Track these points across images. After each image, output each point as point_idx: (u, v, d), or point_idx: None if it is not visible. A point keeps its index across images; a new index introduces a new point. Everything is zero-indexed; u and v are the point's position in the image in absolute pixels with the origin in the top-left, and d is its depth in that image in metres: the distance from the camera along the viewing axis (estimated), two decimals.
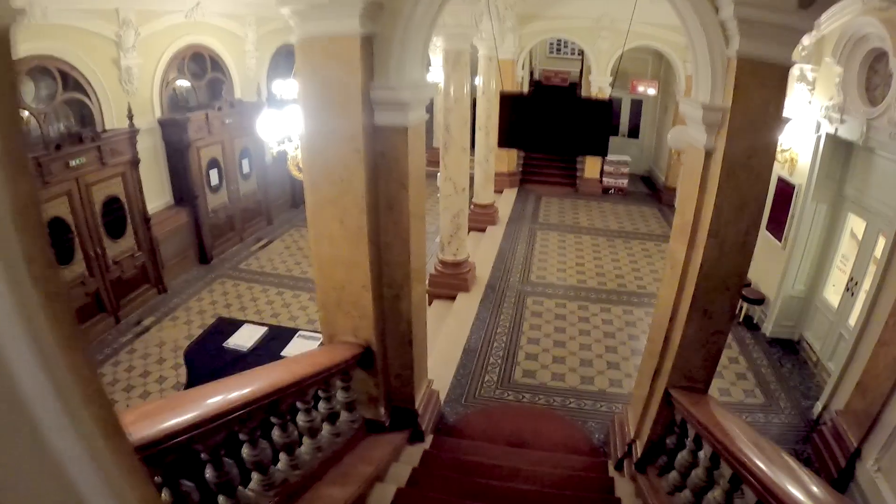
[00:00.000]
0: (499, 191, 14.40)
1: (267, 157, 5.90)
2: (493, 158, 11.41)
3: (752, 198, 3.56)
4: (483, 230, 11.43)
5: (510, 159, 14.90)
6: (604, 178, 15.01)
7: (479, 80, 10.89)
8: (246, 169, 11.46)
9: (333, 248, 4.24)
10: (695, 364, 4.08)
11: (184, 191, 9.87)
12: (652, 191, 15.61)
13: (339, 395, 4.37)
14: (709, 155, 3.63)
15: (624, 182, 14.98)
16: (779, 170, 7.47)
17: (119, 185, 8.29)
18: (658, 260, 10.41)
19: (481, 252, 10.25)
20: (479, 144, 11.17)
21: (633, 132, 17.52)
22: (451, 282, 8.48)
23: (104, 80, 8.15)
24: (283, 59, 12.57)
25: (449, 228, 8.27)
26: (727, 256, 3.67)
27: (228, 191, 10.93)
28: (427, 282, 8.59)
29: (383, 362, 4.75)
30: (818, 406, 6.05)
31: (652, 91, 14.69)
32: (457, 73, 7.65)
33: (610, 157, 14.98)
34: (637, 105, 17.22)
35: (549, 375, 6.62)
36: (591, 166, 14.99)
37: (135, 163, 8.45)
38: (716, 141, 3.55)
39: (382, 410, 4.88)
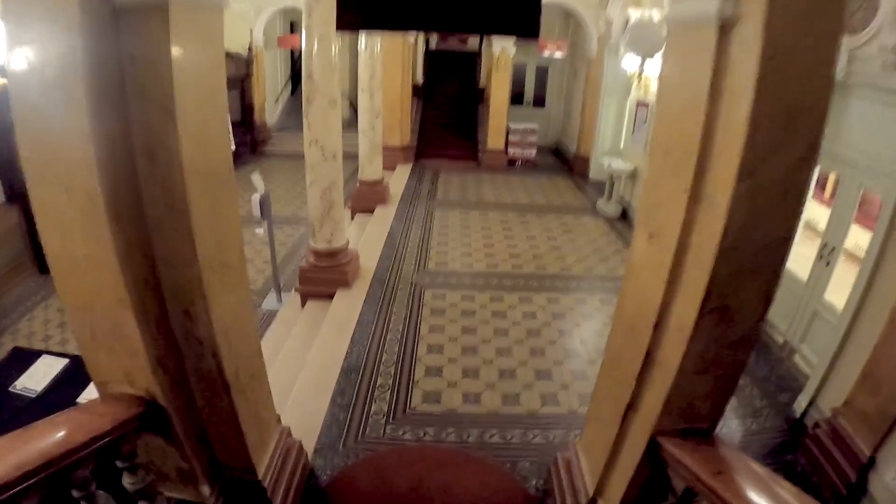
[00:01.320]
0: (390, 168, 12.55)
1: None
2: (381, 125, 9.48)
3: (809, 105, 1.90)
4: (371, 211, 9.50)
5: (402, 131, 13.01)
6: (509, 150, 13.51)
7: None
8: None
9: (64, 235, 2.22)
10: (699, 393, 2.44)
11: (15, 185, 7.77)
12: (562, 162, 14.33)
13: (127, 481, 2.58)
14: (726, 30, 1.94)
15: (532, 153, 13.57)
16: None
17: None
18: (581, 235, 8.97)
19: (368, 237, 8.34)
20: (363, 109, 9.22)
21: (539, 101, 16.15)
22: (326, 276, 6.50)
23: None
24: None
25: (319, 208, 6.27)
26: (766, 211, 2.02)
27: None
28: (301, 279, 6.63)
29: (186, 421, 2.82)
30: (801, 402, 4.75)
31: (560, 54, 13.33)
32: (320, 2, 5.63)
33: (515, 126, 13.50)
34: (542, 73, 15.86)
35: (458, 397, 4.85)
36: (494, 137, 13.43)
37: None
38: (742, 3, 1.86)
39: (207, 489, 3.06)
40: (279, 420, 3.83)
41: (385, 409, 4.63)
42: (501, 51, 12.67)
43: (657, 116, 2.55)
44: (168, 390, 2.66)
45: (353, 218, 9.68)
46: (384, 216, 9.26)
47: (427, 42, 17.28)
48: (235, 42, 14.42)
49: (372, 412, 4.57)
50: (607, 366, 3.09)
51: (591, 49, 12.51)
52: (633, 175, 9.92)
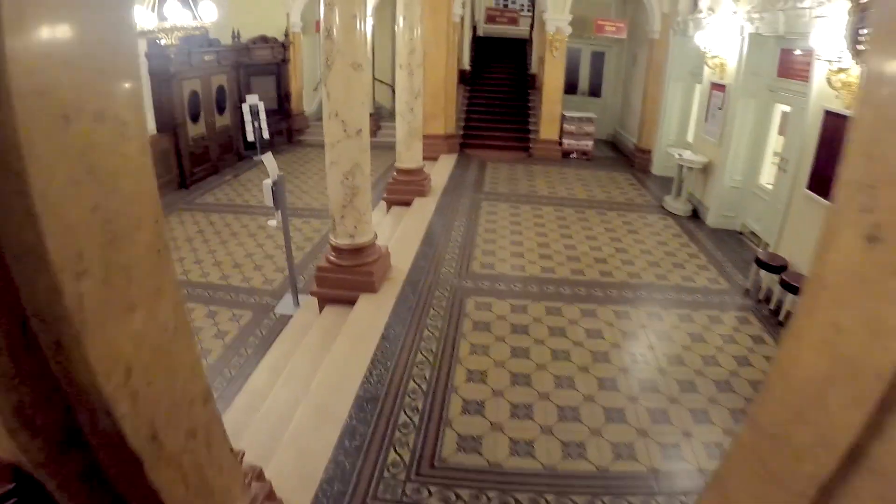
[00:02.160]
0: (432, 158, 11.47)
1: None
2: (421, 108, 8.39)
3: None
4: (408, 204, 8.42)
5: (447, 119, 11.89)
6: (564, 140, 12.22)
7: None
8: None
9: None
10: None
11: (166, 119, 10.51)
12: (621, 156, 12.93)
13: None
14: None
15: (589, 144, 12.24)
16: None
17: None
18: (649, 237, 7.65)
19: (402, 233, 7.25)
20: (401, 88, 8.18)
21: (595, 91, 14.78)
22: (347, 278, 5.41)
23: None
24: None
25: (339, 195, 5.21)
26: None
27: (206, 123, 11.67)
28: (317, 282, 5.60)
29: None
30: None
31: (620, 35, 11.98)
32: None
33: (571, 114, 12.20)
34: (598, 59, 14.49)
35: (504, 446, 3.68)
36: (547, 126, 12.17)
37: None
38: None
39: None
40: (258, 476, 2.78)
41: (407, 458, 3.50)
42: (556, 30, 11.39)
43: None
44: (42, 457, 1.62)
45: (388, 210, 8.64)
46: (423, 209, 8.17)
47: (474, 27, 16.14)
48: (271, 26, 13.66)
49: (389, 462, 3.46)
50: (753, 447, 1.86)
51: (652, 29, 11.11)
52: (705, 169, 8.52)
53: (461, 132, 12.69)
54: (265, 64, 13.76)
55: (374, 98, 14.82)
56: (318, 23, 14.54)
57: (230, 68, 12.64)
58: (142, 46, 10.19)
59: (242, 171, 12.37)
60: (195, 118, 11.51)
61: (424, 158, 11.45)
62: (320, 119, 14.81)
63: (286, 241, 6.03)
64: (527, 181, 10.22)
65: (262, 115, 13.28)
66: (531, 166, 11.36)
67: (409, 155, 8.51)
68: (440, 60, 11.22)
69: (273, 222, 5.83)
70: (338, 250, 5.44)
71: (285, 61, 14.14)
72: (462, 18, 12.85)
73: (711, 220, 8.21)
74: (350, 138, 4.96)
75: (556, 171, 11.11)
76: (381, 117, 14.77)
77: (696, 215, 8.64)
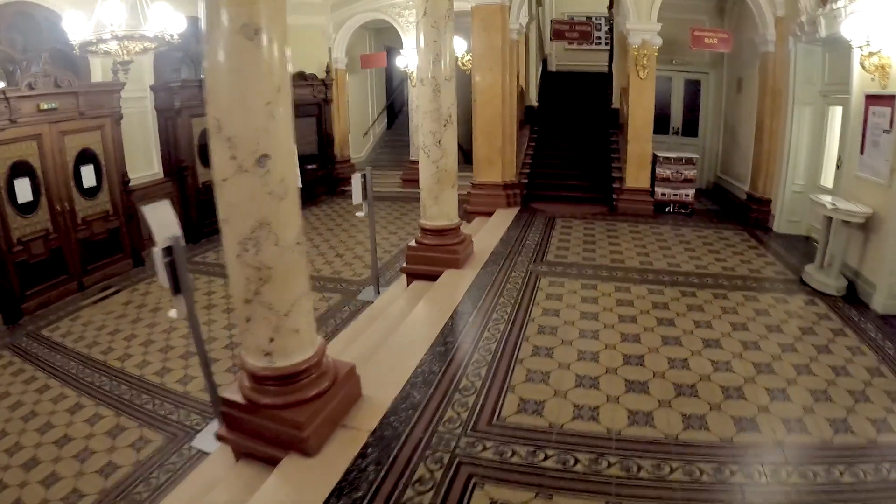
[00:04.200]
0: (486, 212, 9.04)
1: None
2: (454, 140, 6.02)
3: None
4: (434, 278, 5.95)
5: (506, 163, 9.47)
6: (657, 189, 9.43)
7: None
8: None
9: None
10: None
11: (173, 162, 9.53)
12: (725, 206, 9.89)
13: None
14: None
15: (690, 194, 9.38)
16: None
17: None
18: (801, 338, 4.71)
19: (405, 333, 4.74)
20: (423, 112, 5.97)
21: (690, 128, 11.85)
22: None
23: None
24: None
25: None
26: None
27: None
28: None
29: None
30: None
31: (724, 48, 9.19)
32: None
33: (666, 154, 9.46)
34: (692, 89, 11.63)
35: None
36: (634, 171, 9.45)
37: (117, 119, 8.11)
38: None
39: None
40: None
41: None
42: (642, 43, 8.79)
43: None
44: None
45: (408, 286, 6.24)
46: (450, 289, 5.69)
47: (544, 61, 13.83)
48: (311, 62, 11.98)
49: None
50: None
51: (764, 39, 8.30)
52: (865, 224, 5.54)
53: (525, 180, 10.19)
54: (304, 104, 12.05)
55: None
56: (364, 57, 13.04)
57: None
58: (147, 79, 8.75)
59: None
60: (208, 161, 9.73)
61: (477, 213, 9.13)
62: (370, 168, 12.93)
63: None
64: (608, 245, 7.50)
65: (296, 161, 11.48)
66: (614, 224, 8.63)
67: (437, 210, 6.11)
68: (495, 88, 8.92)
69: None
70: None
71: (327, 101, 12.41)
72: (525, 38, 10.56)
73: (883, 302, 5.19)
74: (245, 172, 2.61)
75: (649, 229, 8.30)
76: None
77: (853, 293, 5.59)
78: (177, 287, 3.43)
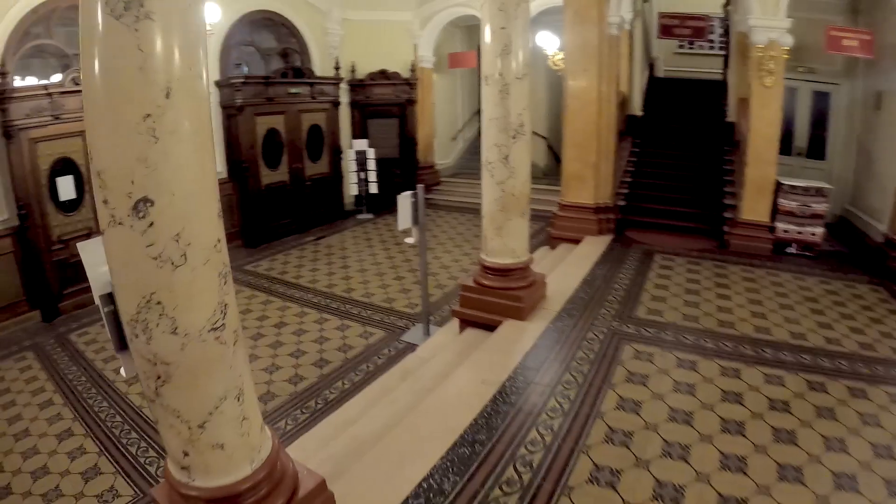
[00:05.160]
0: (572, 239, 7.78)
1: None
2: (524, 156, 4.83)
3: None
4: (491, 327, 4.82)
5: (600, 183, 8.07)
6: (778, 224, 7.67)
7: None
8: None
9: None
10: None
11: (235, 161, 9.12)
12: (855, 248, 7.90)
13: None
14: None
15: (817, 232, 7.55)
16: None
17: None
18: None
19: (426, 410, 3.63)
20: (487, 120, 4.79)
21: (816, 148, 9.69)
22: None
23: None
24: None
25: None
26: None
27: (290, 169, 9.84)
28: None
29: None
30: None
31: (865, 53, 7.24)
32: None
33: (792, 182, 7.70)
34: (821, 102, 9.47)
35: None
36: (753, 200, 7.72)
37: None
38: None
39: None
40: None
41: None
42: (768, 43, 7.09)
43: None
44: None
45: (461, 331, 5.11)
46: (504, 351, 4.43)
47: (651, 65, 12.17)
48: (395, 60, 11.20)
49: None
50: None
51: None
52: None
53: (621, 202, 8.76)
54: (385, 104, 11.33)
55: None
56: (452, 56, 11.91)
57: (330, 105, 10.34)
58: (211, 74, 8.33)
59: (333, 232, 9.99)
60: (274, 163, 9.22)
61: (563, 239, 7.83)
62: (456, 175, 11.02)
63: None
64: (716, 297, 5.94)
65: (371, 166, 10.77)
66: (724, 266, 7.01)
67: (499, 244, 4.88)
68: (589, 93, 7.57)
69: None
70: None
71: (411, 102, 11.55)
72: (630, 37, 9.09)
73: None
74: (119, 225, 1.66)
75: (766, 277, 6.63)
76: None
77: None
78: (122, 343, 2.59)
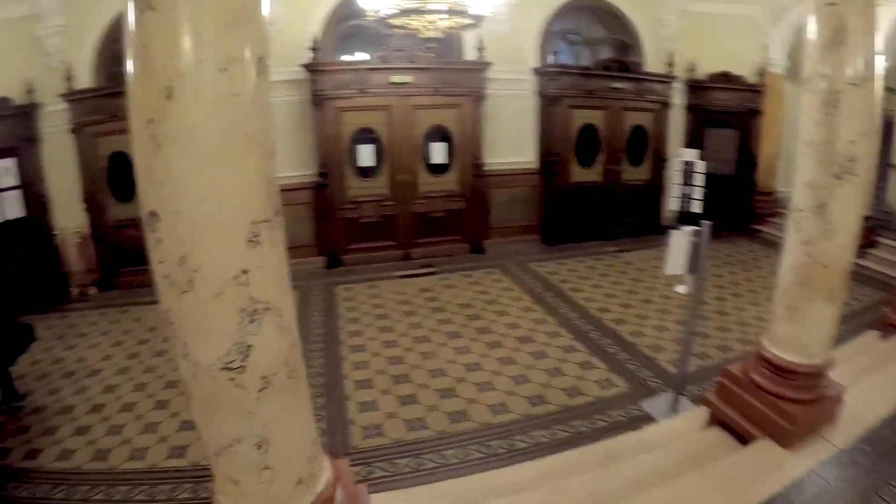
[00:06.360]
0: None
1: None
2: (850, 208, 3.28)
3: None
4: (743, 438, 3.50)
5: None
6: None
7: None
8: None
9: None
10: None
11: (545, 154, 9.03)
12: None
13: None
14: None
15: None
16: None
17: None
18: None
19: None
20: (804, 144, 3.32)
21: None
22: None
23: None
24: None
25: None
26: None
27: (604, 171, 9.23)
28: None
29: None
30: None
31: None
32: None
33: None
34: None
35: None
36: None
37: (478, 99, 8.07)
38: None
39: None
40: None
41: None
42: None
43: None
44: None
45: (707, 425, 3.89)
46: (737, 488, 3.08)
47: None
48: (738, 59, 9.48)
49: None
50: None
51: None
52: None
53: None
54: (724, 112, 9.76)
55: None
56: None
57: (659, 106, 9.40)
58: (529, 61, 8.45)
59: (639, 247, 9.00)
60: (587, 160, 8.96)
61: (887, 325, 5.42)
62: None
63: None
64: None
65: (699, 181, 9.37)
66: None
67: (789, 331, 3.36)
68: None
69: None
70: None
71: (755, 113, 9.66)
72: None
73: None
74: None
75: None
76: (883, 224, 8.26)
77: None
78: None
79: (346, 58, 8.52)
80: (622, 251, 8.72)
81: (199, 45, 1.34)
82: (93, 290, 7.40)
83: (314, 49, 7.20)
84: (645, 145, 9.40)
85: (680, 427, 4.01)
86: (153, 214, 1.48)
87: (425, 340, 5.76)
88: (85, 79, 7.18)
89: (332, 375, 5.09)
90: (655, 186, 9.59)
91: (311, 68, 7.23)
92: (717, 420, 3.76)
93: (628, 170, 9.34)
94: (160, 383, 5.01)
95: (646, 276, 7.57)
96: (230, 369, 1.63)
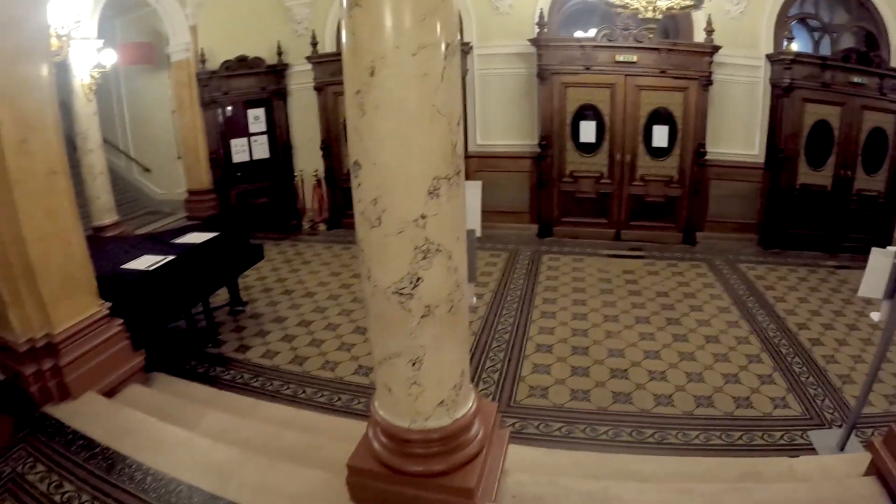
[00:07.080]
0: None
1: None
2: None
3: None
4: None
5: None
6: None
7: None
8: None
9: None
10: None
11: (773, 148, 8.17)
12: None
13: None
14: None
15: None
16: None
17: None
18: None
19: None
20: None
21: None
22: None
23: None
24: None
25: None
26: None
27: (835, 177, 8.13)
28: None
29: None
30: None
31: None
32: None
33: None
34: None
35: None
36: None
37: (704, 84, 7.62)
38: None
39: None
40: None
41: None
42: None
43: None
44: None
45: (867, 473, 3.33)
46: None
47: None
48: None
49: None
50: None
51: None
52: None
53: None
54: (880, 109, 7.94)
55: None
56: None
57: None
58: (762, 46, 7.68)
59: (859, 266, 7.71)
60: (817, 161, 7.93)
61: None
62: None
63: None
64: None
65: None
66: None
67: None
68: None
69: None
70: None
71: None
72: None
73: None
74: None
75: None
76: None
77: None
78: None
79: (575, 34, 8.65)
80: (841, 267, 7.56)
81: (395, 35, 1.75)
82: (322, 227, 8.80)
83: (541, 25, 7.44)
84: (885, 152, 7.86)
85: (835, 467, 3.55)
86: (357, 164, 1.93)
87: (613, 320, 5.81)
88: (328, 45, 8.41)
89: (517, 334, 5.47)
90: (892, 200, 8.03)
91: (537, 43, 7.55)
92: (877, 470, 3.28)
93: (862, 177, 7.93)
94: (363, 313, 5.85)
95: (859, 300, 6.51)
96: (401, 294, 2.04)
